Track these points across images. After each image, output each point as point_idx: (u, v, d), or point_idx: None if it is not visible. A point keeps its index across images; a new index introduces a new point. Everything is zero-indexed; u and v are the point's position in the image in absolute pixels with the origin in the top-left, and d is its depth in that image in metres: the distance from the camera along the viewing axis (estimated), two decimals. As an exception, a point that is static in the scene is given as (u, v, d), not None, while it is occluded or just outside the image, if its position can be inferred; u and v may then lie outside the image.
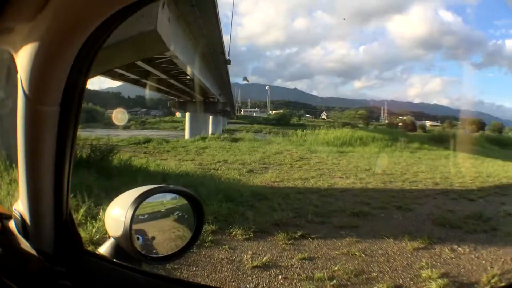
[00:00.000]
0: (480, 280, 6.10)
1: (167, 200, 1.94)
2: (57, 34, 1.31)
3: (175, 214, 1.96)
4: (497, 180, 15.91)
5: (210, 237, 7.11)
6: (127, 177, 10.57)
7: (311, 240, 7.45)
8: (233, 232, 7.42)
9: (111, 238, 1.78)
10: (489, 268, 6.59)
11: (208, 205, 8.72)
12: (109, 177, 10.39)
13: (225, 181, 12.48)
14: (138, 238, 1.80)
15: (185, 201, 1.91)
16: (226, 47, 31.32)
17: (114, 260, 1.70)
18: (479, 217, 9.56)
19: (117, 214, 1.74)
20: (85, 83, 1.48)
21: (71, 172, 1.57)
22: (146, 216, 1.86)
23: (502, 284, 6.14)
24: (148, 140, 25.15)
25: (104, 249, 1.76)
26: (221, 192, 9.95)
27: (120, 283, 1.64)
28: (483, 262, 6.83)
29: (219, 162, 17.53)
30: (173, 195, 1.93)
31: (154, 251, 1.86)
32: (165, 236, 1.94)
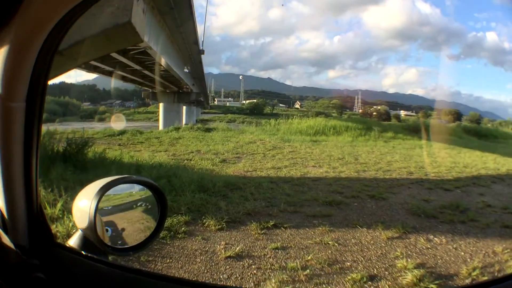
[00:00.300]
0: (460, 272, 6.10)
1: (136, 191, 1.99)
2: (19, 33, 1.38)
3: (141, 205, 2.01)
4: (475, 171, 16.11)
5: (183, 228, 7.15)
6: (101, 169, 10.54)
7: (283, 229, 7.50)
8: (206, 223, 7.46)
9: (79, 230, 1.82)
10: (468, 260, 6.58)
11: (181, 196, 8.84)
12: (85, 170, 10.35)
13: (198, 172, 12.50)
14: (107, 230, 1.86)
15: (148, 191, 1.98)
16: (200, 38, 31.17)
17: (82, 252, 1.75)
18: (456, 207, 9.66)
19: (82, 206, 1.79)
20: (47, 79, 1.56)
21: (39, 166, 1.64)
22: (115, 207, 1.92)
23: (485, 278, 6.14)
24: (122, 132, 24.86)
25: (73, 241, 1.80)
26: (194, 182, 9.93)
27: (87, 275, 1.70)
28: (462, 253, 6.85)
29: (192, 152, 17.52)
30: (138, 186, 1.99)
31: (121, 242, 1.92)
32: (133, 227, 1.99)
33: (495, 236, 7.88)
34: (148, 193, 1.98)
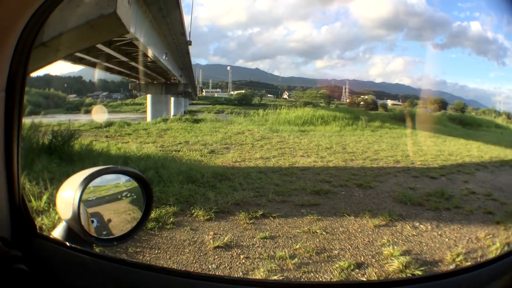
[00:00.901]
0: (444, 258, 6.21)
1: (121, 182, 2.00)
2: None
3: (126, 195, 2.00)
4: (459, 159, 16.27)
5: (171, 219, 7.17)
6: (88, 162, 10.43)
7: (272, 219, 7.55)
8: (195, 213, 7.50)
9: (63, 221, 1.81)
10: (453, 246, 6.70)
11: (169, 187, 8.85)
12: (71, 163, 10.29)
13: (186, 163, 12.47)
14: (92, 221, 1.86)
15: (133, 182, 1.98)
16: (188, 28, 31.02)
17: (66, 243, 1.74)
18: (441, 194, 9.80)
19: (66, 197, 1.78)
20: (27, 70, 1.53)
21: (21, 157, 1.61)
22: (100, 198, 1.91)
23: (468, 263, 6.20)
24: (109, 124, 24.65)
25: (57, 233, 1.80)
26: (182, 173, 9.96)
27: (71, 265, 1.68)
28: (446, 240, 6.98)
29: (181, 143, 17.44)
30: (122, 176, 1.99)
31: (107, 233, 1.91)
32: (119, 218, 1.98)
33: (478, 222, 8.07)
34: (133, 183, 1.98)
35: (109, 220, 1.93)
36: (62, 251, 1.72)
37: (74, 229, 1.76)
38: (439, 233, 7.25)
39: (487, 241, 6.99)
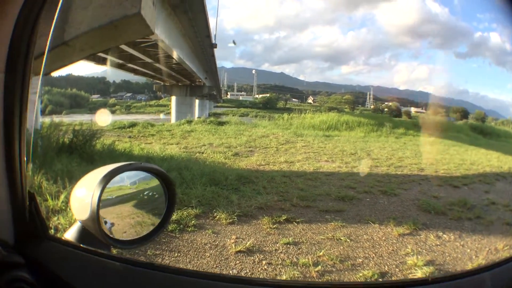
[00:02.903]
0: (466, 269, 5.98)
1: (137, 180, 1.85)
2: None
3: (145, 194, 1.87)
4: (480, 168, 15.97)
5: (193, 221, 7.02)
6: (110, 161, 10.36)
7: (296, 224, 7.37)
8: (217, 216, 7.35)
9: (78, 221, 1.68)
10: (474, 257, 6.55)
11: (191, 189, 8.71)
12: (92, 162, 10.23)
13: (210, 165, 12.38)
14: (106, 222, 1.70)
15: (156, 180, 1.84)
16: (213, 31, 31.15)
17: (81, 245, 1.60)
18: (463, 204, 9.56)
19: (83, 196, 1.65)
20: (30, 48, 1.37)
21: (24, 148, 1.46)
22: (120, 197, 1.78)
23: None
24: (133, 124, 24.77)
25: (70, 234, 1.66)
26: (205, 175, 9.83)
27: (87, 269, 1.53)
28: (468, 250, 6.80)
29: (205, 145, 17.36)
30: (144, 174, 1.84)
31: (125, 234, 1.78)
32: (139, 218, 1.85)
33: (497, 233, 7.92)
34: (155, 181, 1.85)
35: (129, 221, 1.80)
36: (77, 254, 1.58)
37: (91, 230, 1.62)
38: (462, 243, 7.08)
39: (505, 253, 6.93)
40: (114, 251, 1.74)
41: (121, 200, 1.80)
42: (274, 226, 7.17)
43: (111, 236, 1.68)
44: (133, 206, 1.84)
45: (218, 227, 7.01)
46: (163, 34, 17.95)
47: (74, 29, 9.86)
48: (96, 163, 10.13)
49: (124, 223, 1.79)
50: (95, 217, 1.57)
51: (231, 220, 7.26)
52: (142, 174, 1.85)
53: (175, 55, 25.23)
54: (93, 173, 1.70)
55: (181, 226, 6.80)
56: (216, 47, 33.69)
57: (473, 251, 6.80)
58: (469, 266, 6.22)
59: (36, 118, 11.30)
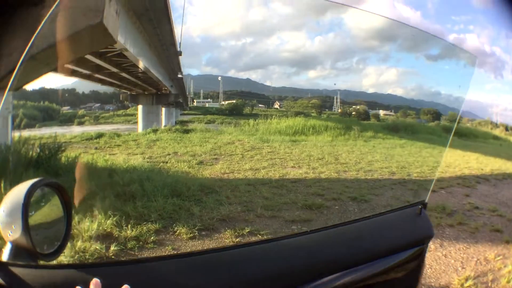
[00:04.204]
0: (451, 283, 6.02)
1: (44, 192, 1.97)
2: None
3: (47, 205, 2.00)
4: (458, 171, 16.10)
5: (152, 238, 6.98)
6: (73, 175, 10.29)
7: (260, 237, 7.29)
8: (178, 231, 7.31)
9: (8, 242, 1.73)
10: (460, 269, 6.52)
11: (152, 201, 8.64)
12: (56, 176, 10.11)
13: (173, 175, 12.26)
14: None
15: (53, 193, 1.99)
16: (178, 39, 31.01)
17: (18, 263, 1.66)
18: (442, 209, 9.62)
19: (7, 216, 1.71)
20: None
21: None
22: (31, 212, 1.83)
23: None
24: (100, 135, 24.43)
25: (6, 256, 1.71)
26: (167, 186, 9.73)
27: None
28: (452, 261, 6.79)
29: (169, 154, 17.21)
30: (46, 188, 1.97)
31: (45, 247, 1.88)
32: (48, 230, 1.97)
33: (486, 241, 7.84)
34: (49, 191, 2.01)
35: (40, 233, 1.86)
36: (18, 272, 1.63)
37: (25, 247, 1.69)
38: (444, 253, 7.09)
39: (498, 263, 6.79)
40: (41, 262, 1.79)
41: (36, 214, 1.87)
42: (236, 240, 7.09)
43: (38, 250, 1.75)
44: (39, 218, 1.91)
45: (179, 242, 6.97)
46: (128, 43, 17.82)
47: (41, 43, 9.79)
48: (60, 177, 10.00)
49: (41, 235, 1.86)
50: (27, 233, 1.65)
51: (191, 235, 7.22)
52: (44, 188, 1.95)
53: (140, 64, 25.08)
54: (12, 192, 1.75)
55: (140, 243, 6.77)
56: (181, 55, 33.51)
57: (458, 262, 6.79)
58: (455, 280, 6.10)
59: (8, 133, 11.20)
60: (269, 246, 2.17)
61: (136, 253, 6.42)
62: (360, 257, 2.09)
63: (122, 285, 1.55)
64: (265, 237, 7.25)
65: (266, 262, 2.00)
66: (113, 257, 6.21)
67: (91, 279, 1.54)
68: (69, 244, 6.30)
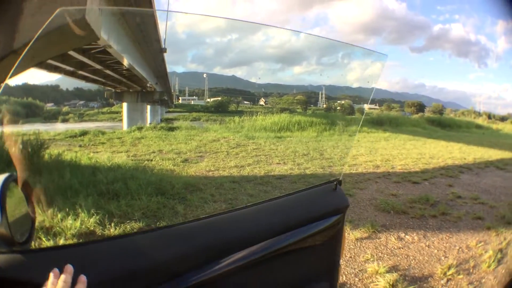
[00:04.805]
0: (434, 272, 6.05)
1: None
2: None
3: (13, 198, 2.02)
4: (441, 161, 16.39)
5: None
6: (56, 172, 10.20)
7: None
8: (161, 229, 7.20)
9: None
10: (443, 258, 6.59)
11: (136, 200, 8.56)
12: (39, 174, 10.02)
13: (157, 173, 12.20)
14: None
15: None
16: (163, 35, 30.86)
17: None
18: (425, 200, 9.75)
19: None
20: None
21: None
22: None
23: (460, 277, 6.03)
24: (84, 133, 24.28)
25: None
26: (152, 184, 9.68)
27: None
28: (435, 251, 6.85)
29: (154, 152, 17.12)
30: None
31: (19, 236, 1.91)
32: (18, 220, 1.99)
33: (468, 229, 7.99)
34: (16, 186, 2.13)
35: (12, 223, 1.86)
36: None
37: (3, 235, 1.74)
38: (427, 243, 7.14)
39: (479, 250, 6.90)
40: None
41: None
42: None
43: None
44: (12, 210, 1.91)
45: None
46: (111, 39, 17.69)
47: (23, 37, 9.67)
48: (43, 175, 9.92)
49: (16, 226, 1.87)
50: (5, 223, 1.71)
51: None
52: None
53: (125, 61, 24.93)
54: None
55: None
56: (166, 52, 33.37)
57: (441, 251, 6.85)
58: (438, 269, 6.13)
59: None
60: (198, 224, 2.32)
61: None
62: (283, 226, 2.37)
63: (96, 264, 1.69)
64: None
65: (198, 239, 2.15)
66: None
67: (65, 262, 1.59)
68: (52, 242, 6.34)
